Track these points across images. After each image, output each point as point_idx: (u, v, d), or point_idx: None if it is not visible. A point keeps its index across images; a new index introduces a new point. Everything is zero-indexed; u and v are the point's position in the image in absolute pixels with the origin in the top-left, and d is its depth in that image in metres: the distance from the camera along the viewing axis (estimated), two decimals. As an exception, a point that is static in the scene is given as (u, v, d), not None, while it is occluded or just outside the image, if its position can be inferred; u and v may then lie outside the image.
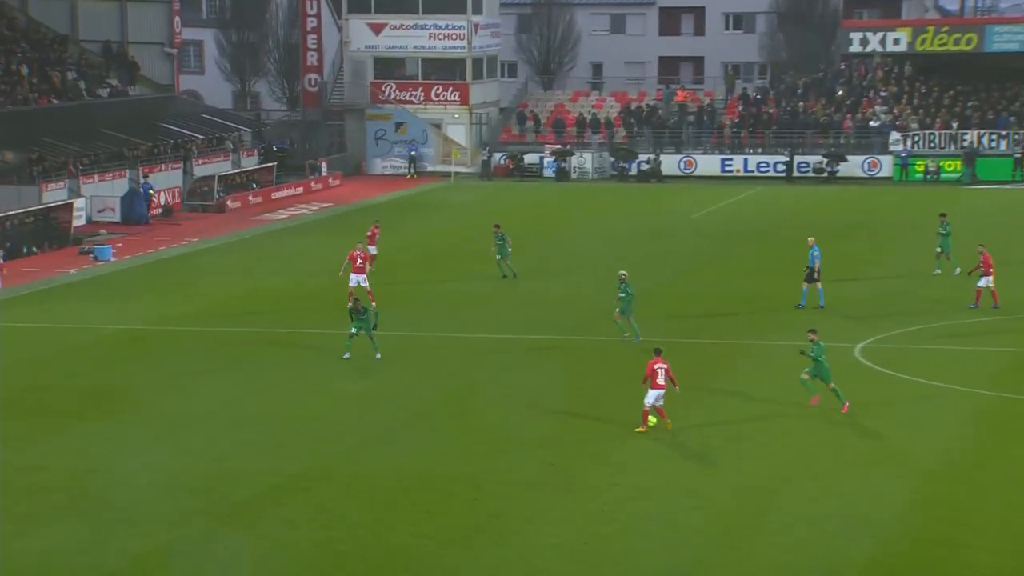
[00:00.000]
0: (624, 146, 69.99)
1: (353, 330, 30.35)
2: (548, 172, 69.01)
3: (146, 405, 27.47)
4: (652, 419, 25.29)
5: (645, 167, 68.27)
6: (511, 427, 25.95)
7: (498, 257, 40.07)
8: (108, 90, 63.33)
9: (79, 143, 55.71)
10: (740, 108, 71.48)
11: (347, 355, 30.40)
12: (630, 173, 68.31)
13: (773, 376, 28.99)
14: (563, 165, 68.62)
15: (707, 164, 68.05)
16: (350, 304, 31.31)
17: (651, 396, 25.04)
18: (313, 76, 74.10)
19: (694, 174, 67.63)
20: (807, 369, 26.36)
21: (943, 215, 40.08)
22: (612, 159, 69.09)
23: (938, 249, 39.56)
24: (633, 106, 73.64)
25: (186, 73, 77.85)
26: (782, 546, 19.95)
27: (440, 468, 23.44)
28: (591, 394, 28.23)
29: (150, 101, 65.30)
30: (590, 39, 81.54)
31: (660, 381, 24.95)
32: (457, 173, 68.94)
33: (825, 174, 66.05)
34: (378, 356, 30.42)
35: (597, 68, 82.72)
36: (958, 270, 38.61)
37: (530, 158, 69.94)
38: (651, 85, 77.68)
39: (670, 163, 68.27)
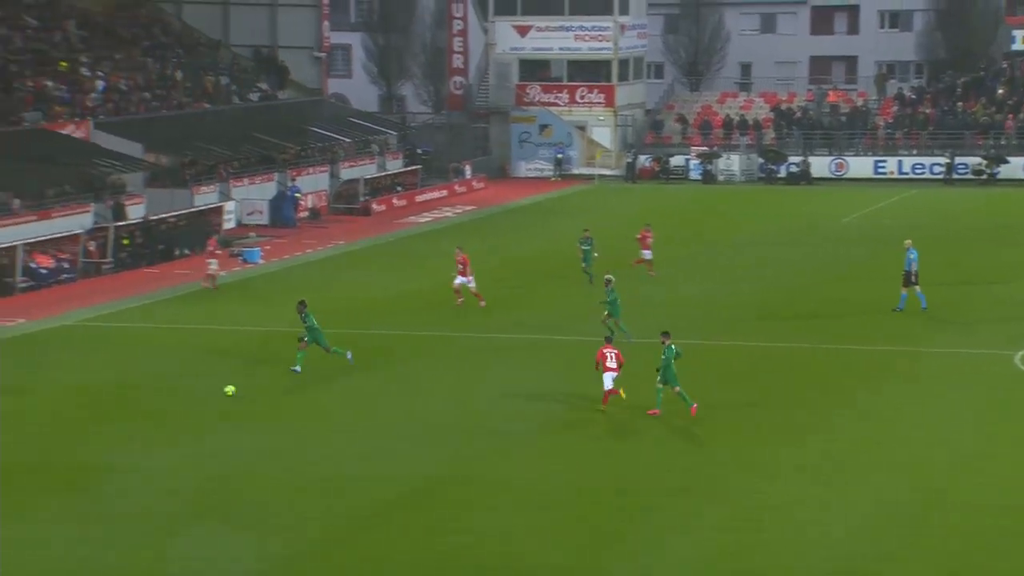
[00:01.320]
0: (773, 148, 69.09)
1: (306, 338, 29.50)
2: (694, 174, 68.51)
3: (289, 406, 27.85)
4: (622, 393, 26.84)
5: (794, 169, 67.31)
6: (655, 432, 25.67)
7: (583, 264, 39.82)
8: (258, 94, 64.69)
9: (230, 147, 56.94)
10: (895, 108, 69.97)
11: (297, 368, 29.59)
12: (779, 175, 67.38)
13: (915, 385, 28.19)
14: (709, 167, 68.02)
15: (859, 166, 66.93)
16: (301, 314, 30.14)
17: (607, 379, 26.82)
18: (458, 79, 74.65)
19: (846, 176, 66.62)
20: (658, 377, 26.38)
21: None
22: (760, 161, 68.20)
23: None
24: (783, 107, 72.56)
25: (334, 77, 79.04)
26: (933, 557, 19.34)
27: (583, 473, 23.31)
28: (739, 400, 27.83)
29: (298, 105, 66.44)
30: (739, 39, 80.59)
31: (611, 364, 26.89)
32: (602, 175, 68.80)
33: (985, 176, 64.17)
34: (349, 356, 29.65)
35: (746, 69, 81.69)
36: None
37: (676, 160, 69.48)
38: (802, 86, 76.53)
39: (820, 165, 67.27)
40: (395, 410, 27.42)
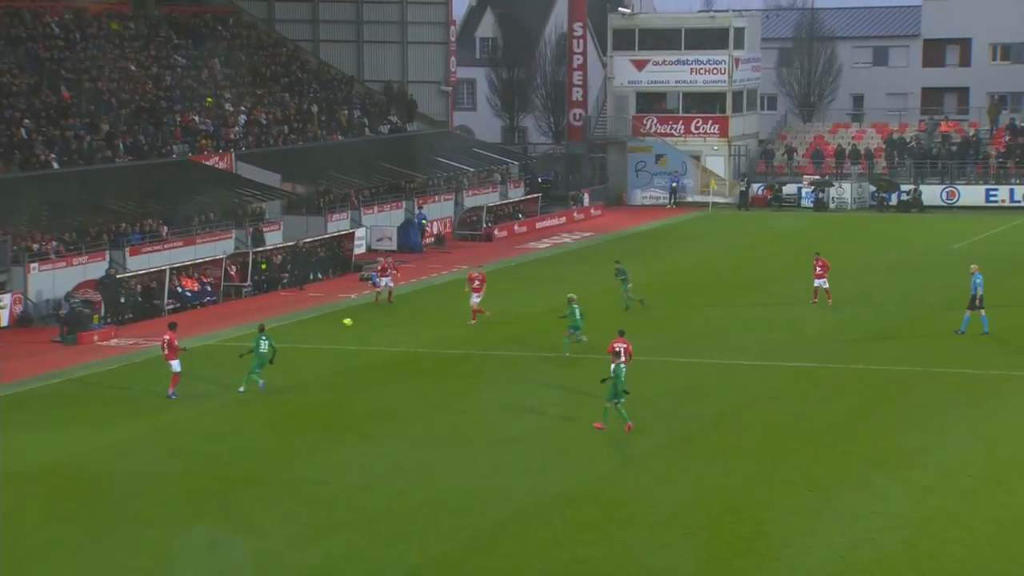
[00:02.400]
0: (885, 176, 68.03)
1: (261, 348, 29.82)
2: (806, 202, 67.83)
3: (418, 424, 28.11)
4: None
5: (906, 197, 66.20)
6: (771, 451, 25.41)
7: (622, 291, 39.57)
8: (388, 126, 65.58)
9: (361, 176, 57.70)
10: (1007, 138, 68.44)
11: (261, 383, 30.07)
12: (890, 203, 66.33)
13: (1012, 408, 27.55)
14: (821, 195, 67.20)
15: (971, 194, 65.81)
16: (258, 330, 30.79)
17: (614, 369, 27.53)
18: (578, 111, 74.84)
19: (957, 204, 65.59)
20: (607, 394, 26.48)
21: None
22: (872, 189, 67.19)
23: None
24: (895, 137, 71.42)
25: (459, 109, 79.81)
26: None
27: (697, 490, 23.18)
28: (850, 421, 27.45)
29: (426, 136, 67.10)
30: (851, 71, 79.68)
31: (622, 358, 27.75)
32: (715, 203, 68.35)
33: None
34: (261, 384, 29.82)
35: (858, 100, 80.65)
36: None
37: (788, 188, 68.90)
38: (913, 116, 75.30)
39: (932, 193, 66.28)
40: (514, 430, 27.52)
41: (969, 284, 35.59)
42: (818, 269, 40.58)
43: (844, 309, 40.69)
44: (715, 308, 41.12)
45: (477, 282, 38.61)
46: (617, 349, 28.25)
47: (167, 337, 30.47)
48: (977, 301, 35.24)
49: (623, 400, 26.82)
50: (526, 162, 73.61)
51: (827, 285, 40.62)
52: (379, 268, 42.26)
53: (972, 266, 36.43)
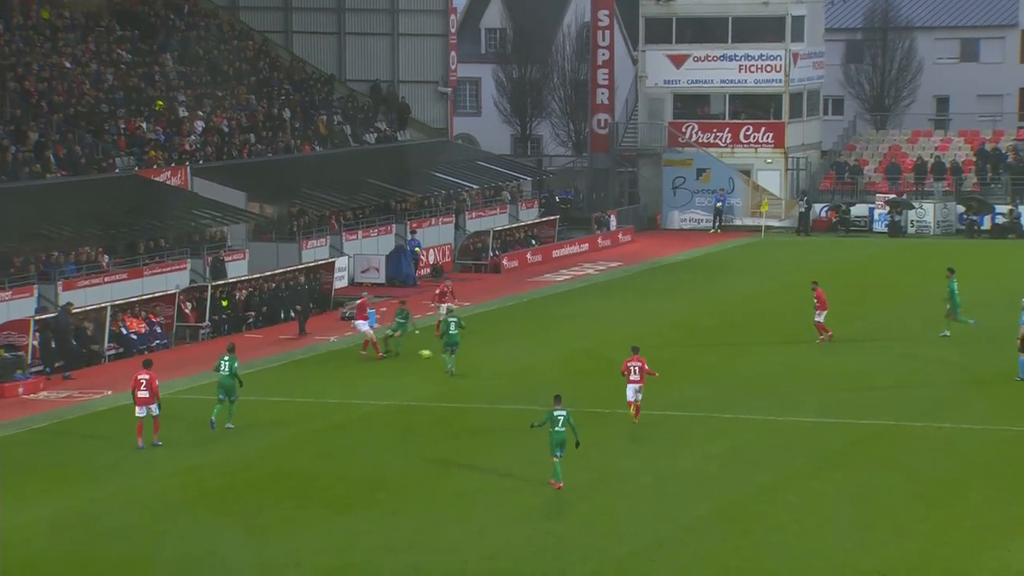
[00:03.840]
0: (975, 195, 68.24)
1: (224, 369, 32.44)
2: (879, 226, 68.07)
3: (411, 494, 28.13)
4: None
5: (1001, 220, 66.27)
6: (836, 529, 25.32)
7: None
8: (376, 135, 65.86)
9: (343, 194, 57.87)
10: (1124, 149, 68.77)
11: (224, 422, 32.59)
12: (982, 228, 66.44)
13: None
14: (898, 218, 67.39)
15: (1081, 217, 65.97)
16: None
17: (630, 391, 32.14)
18: (603, 116, 75.14)
19: (1062, 228, 65.79)
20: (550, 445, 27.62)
21: (951, 271, 42.39)
22: (960, 211, 67.26)
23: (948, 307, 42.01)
24: (987, 147, 71.52)
25: (461, 115, 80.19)
26: None
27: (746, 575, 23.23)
28: (936, 493, 27.45)
29: (421, 147, 67.41)
30: (934, 68, 79.86)
31: (634, 377, 31.99)
32: (769, 227, 68.51)
33: None
34: (229, 426, 32.54)
35: (942, 103, 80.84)
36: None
37: (857, 210, 69.06)
38: (1010, 122, 75.42)
39: (1032, 215, 66.27)
40: (526, 500, 27.53)
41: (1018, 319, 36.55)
42: (816, 302, 41.40)
43: (924, 355, 40.72)
44: (768, 354, 41.20)
45: (438, 292, 42.73)
46: (631, 367, 31.17)
47: (144, 377, 31.24)
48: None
49: (562, 455, 27.67)
50: (541, 178, 73.85)
51: (821, 319, 41.39)
52: (437, 293, 44.54)
53: None
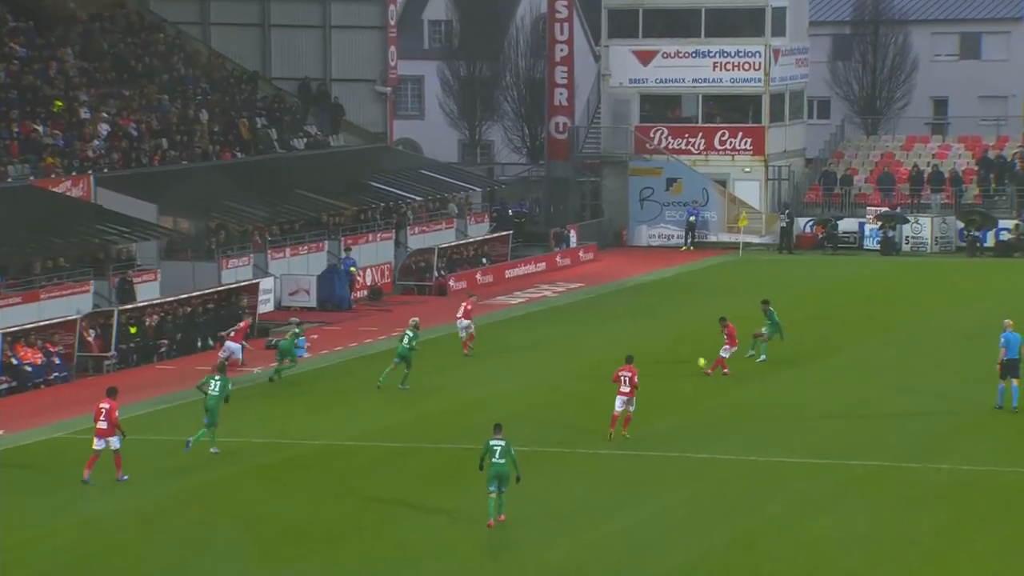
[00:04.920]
0: (978, 209, 68.65)
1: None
2: (870, 243, 68.49)
3: (348, 548, 28.02)
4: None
5: (1007, 237, 66.73)
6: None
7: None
8: (305, 140, 65.77)
9: (268, 207, 57.68)
10: None
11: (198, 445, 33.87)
12: (985, 245, 66.95)
13: None
14: (891, 234, 67.79)
15: (1097, 233, 66.56)
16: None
17: (618, 402, 34.14)
18: (561, 119, 75.31)
19: (1074, 245, 66.36)
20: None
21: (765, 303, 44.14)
22: (960, 226, 67.75)
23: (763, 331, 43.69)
24: (991, 155, 72.13)
25: (402, 117, 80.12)
26: None
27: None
28: (936, 542, 27.56)
29: (356, 154, 67.37)
30: (931, 67, 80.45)
31: (624, 388, 34.07)
32: (748, 244, 68.85)
33: None
34: (214, 451, 33.96)
35: (940, 105, 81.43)
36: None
37: (846, 225, 69.47)
38: (1015, 127, 75.96)
39: (1040, 231, 66.78)
40: (477, 553, 27.47)
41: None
42: (726, 337, 41.98)
43: (920, 387, 40.96)
44: (748, 385, 41.33)
45: (469, 308, 45.35)
46: (622, 377, 33.75)
47: (104, 406, 31.68)
48: (1004, 365, 36.98)
49: (505, 489, 28.11)
50: (492, 188, 73.89)
51: (727, 355, 41.86)
52: (468, 309, 46.18)
53: (1006, 321, 37.96)
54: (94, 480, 31.62)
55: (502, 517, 28.21)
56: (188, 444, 33.84)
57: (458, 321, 45.81)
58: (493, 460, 28.11)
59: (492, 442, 28.29)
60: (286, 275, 55.75)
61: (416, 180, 66.26)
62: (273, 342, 47.22)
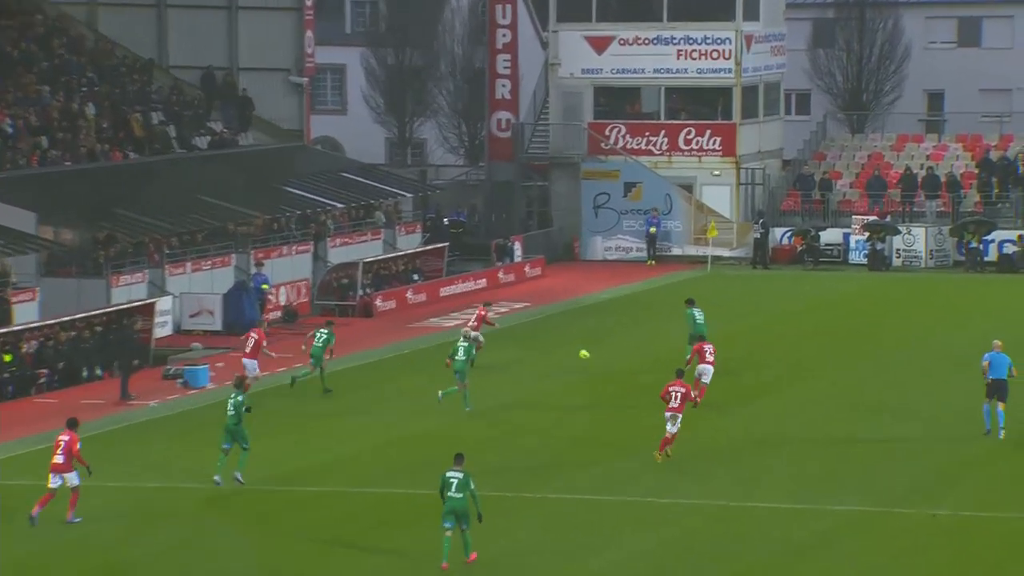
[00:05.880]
0: (977, 217, 68.93)
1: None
2: (856, 257, 68.73)
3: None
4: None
5: (1011, 250, 67.12)
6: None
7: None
8: (209, 138, 65.48)
9: (166, 216, 57.38)
10: None
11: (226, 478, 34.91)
12: (986, 259, 67.33)
13: None
14: (880, 246, 68.03)
15: (1112, 245, 67.06)
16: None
17: (668, 422, 35.89)
18: (504, 115, 75.22)
19: (1090, 260, 66.84)
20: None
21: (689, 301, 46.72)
22: (957, 237, 68.08)
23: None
24: (992, 156, 72.53)
25: (320, 112, 79.92)
26: None
27: None
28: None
29: (268, 154, 67.17)
30: (926, 55, 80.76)
31: (673, 403, 35.89)
32: (717, 258, 68.98)
33: None
34: (238, 475, 35.01)
35: (935, 99, 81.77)
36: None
37: (829, 236, 69.74)
38: (1020, 124, 76.38)
39: (1049, 243, 67.25)
40: None
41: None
42: (708, 356, 42.32)
43: (913, 419, 41.16)
44: (718, 418, 41.36)
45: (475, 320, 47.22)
46: (672, 393, 35.72)
47: (65, 439, 32.26)
48: (990, 386, 38.30)
49: (467, 527, 28.62)
50: (425, 194, 73.74)
51: (708, 380, 42.15)
52: (475, 321, 47.90)
53: (996, 342, 39.24)
54: (41, 520, 31.62)
55: (473, 556, 28.54)
56: (220, 481, 34.88)
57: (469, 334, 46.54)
58: (449, 494, 28.52)
59: (449, 474, 28.69)
60: (187, 294, 55.45)
61: (337, 184, 66.18)
62: (173, 371, 46.98)
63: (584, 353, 44.42)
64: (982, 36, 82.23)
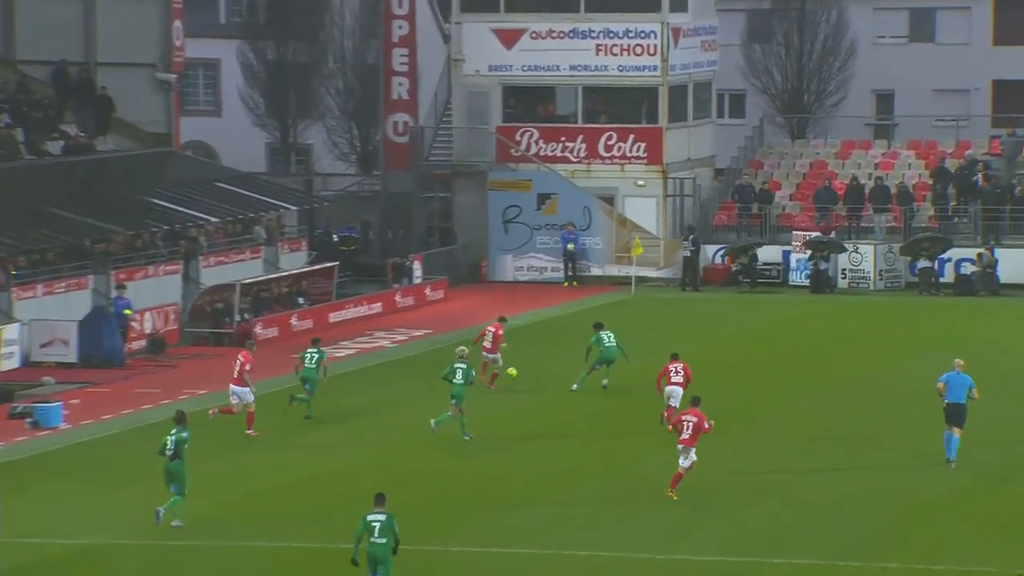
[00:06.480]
0: (931, 234, 69.30)
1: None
2: (797, 278, 69.08)
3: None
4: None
5: (968, 269, 67.58)
6: None
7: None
8: (63, 143, 64.92)
9: (12, 231, 56.90)
10: None
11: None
12: (942, 280, 67.66)
13: None
14: (824, 266, 68.37)
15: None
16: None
17: (681, 456, 36.94)
18: (402, 118, 75.11)
19: (1058, 282, 67.30)
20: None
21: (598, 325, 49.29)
22: (909, 256, 68.42)
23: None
24: (948, 165, 72.97)
25: (191, 114, 79.57)
26: None
27: None
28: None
29: (131, 161, 66.69)
30: (873, 52, 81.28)
31: (685, 435, 37.05)
32: (642, 279, 69.14)
33: None
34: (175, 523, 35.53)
35: (884, 101, 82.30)
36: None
37: (767, 254, 70.09)
38: (979, 129, 76.97)
39: (1013, 262, 67.89)
40: None
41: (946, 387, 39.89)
42: (673, 375, 43.71)
43: (863, 462, 41.29)
44: (645, 459, 41.38)
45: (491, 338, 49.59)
46: (684, 423, 36.91)
47: None
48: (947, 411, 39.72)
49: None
50: (312, 207, 73.46)
51: (676, 403, 42.95)
52: (488, 341, 50.02)
53: (957, 361, 40.24)
54: None
55: None
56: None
57: (485, 355, 49.63)
58: (372, 540, 28.90)
59: (371, 517, 28.99)
60: (37, 320, 55.06)
61: (211, 196, 66.00)
62: (21, 410, 46.48)
63: (512, 371, 47.39)
64: (936, 30, 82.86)
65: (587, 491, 38.93)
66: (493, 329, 49.96)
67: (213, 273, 62.58)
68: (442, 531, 35.13)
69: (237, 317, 59.58)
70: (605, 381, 48.82)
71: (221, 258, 63.97)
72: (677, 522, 36.03)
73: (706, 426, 36.98)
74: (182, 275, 61.36)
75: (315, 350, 46.71)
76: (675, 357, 44.22)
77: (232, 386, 45.05)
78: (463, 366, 43.54)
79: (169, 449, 35.38)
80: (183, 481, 35.38)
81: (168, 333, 58.60)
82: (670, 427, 39.32)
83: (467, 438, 43.03)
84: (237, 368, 45.09)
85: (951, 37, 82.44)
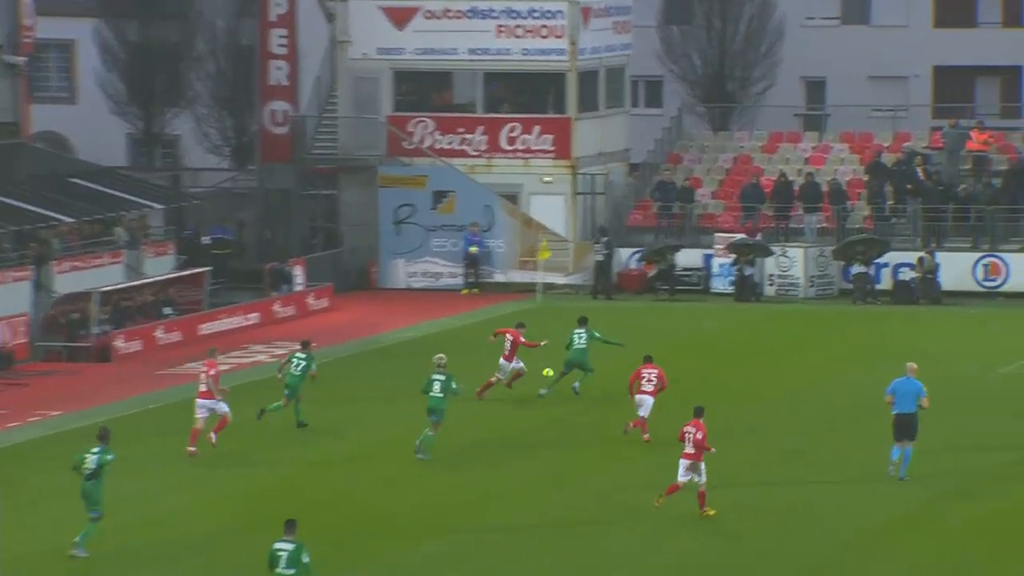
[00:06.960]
0: (867, 236, 69.57)
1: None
2: (720, 284, 69.30)
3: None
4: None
5: (907, 275, 67.81)
6: None
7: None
8: None
9: None
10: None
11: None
12: (878, 287, 67.94)
13: None
14: (749, 271, 68.67)
15: (1029, 270, 68.03)
16: None
17: (681, 468, 38.03)
18: (280, 106, 74.84)
19: (1002, 288, 67.83)
20: None
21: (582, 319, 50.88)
22: (843, 260, 68.58)
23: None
24: (885, 159, 73.22)
25: (43, 101, 78.86)
26: None
27: None
28: None
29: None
30: (802, 35, 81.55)
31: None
32: (550, 285, 69.17)
33: None
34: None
35: (815, 88, 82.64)
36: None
37: (687, 258, 70.19)
38: (919, 120, 77.53)
39: (957, 268, 68.19)
40: None
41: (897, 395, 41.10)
42: (645, 383, 44.56)
43: (799, 490, 41.46)
44: (557, 490, 41.33)
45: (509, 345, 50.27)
46: (686, 435, 37.96)
47: None
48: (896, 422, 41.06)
49: None
50: (180, 205, 72.90)
51: (646, 414, 44.52)
52: (509, 347, 50.45)
53: (909, 365, 41.57)
54: None
55: None
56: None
57: (502, 364, 50.42)
58: (278, 571, 29.24)
59: (278, 546, 29.25)
60: None
61: (64, 193, 65.73)
62: None
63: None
64: (871, 11, 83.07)
65: (496, 528, 38.95)
66: (512, 336, 50.20)
67: (68, 280, 62.07)
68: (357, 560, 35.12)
69: (95, 329, 59.25)
70: (576, 384, 49.79)
71: (77, 263, 63.37)
72: (598, 561, 35.93)
73: (708, 446, 38.05)
74: (32, 282, 60.73)
75: (304, 355, 47.00)
76: (648, 361, 44.99)
77: (199, 400, 44.84)
78: (441, 377, 43.62)
79: (88, 468, 35.56)
80: (100, 502, 35.56)
81: (17, 347, 58.17)
82: (627, 430, 41.91)
83: (422, 457, 43.48)
84: (204, 380, 44.97)
85: (887, 19, 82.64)
